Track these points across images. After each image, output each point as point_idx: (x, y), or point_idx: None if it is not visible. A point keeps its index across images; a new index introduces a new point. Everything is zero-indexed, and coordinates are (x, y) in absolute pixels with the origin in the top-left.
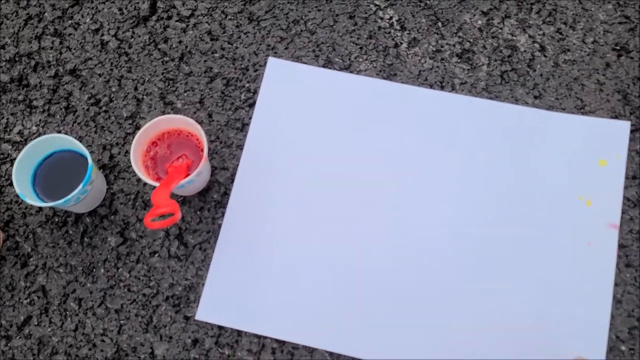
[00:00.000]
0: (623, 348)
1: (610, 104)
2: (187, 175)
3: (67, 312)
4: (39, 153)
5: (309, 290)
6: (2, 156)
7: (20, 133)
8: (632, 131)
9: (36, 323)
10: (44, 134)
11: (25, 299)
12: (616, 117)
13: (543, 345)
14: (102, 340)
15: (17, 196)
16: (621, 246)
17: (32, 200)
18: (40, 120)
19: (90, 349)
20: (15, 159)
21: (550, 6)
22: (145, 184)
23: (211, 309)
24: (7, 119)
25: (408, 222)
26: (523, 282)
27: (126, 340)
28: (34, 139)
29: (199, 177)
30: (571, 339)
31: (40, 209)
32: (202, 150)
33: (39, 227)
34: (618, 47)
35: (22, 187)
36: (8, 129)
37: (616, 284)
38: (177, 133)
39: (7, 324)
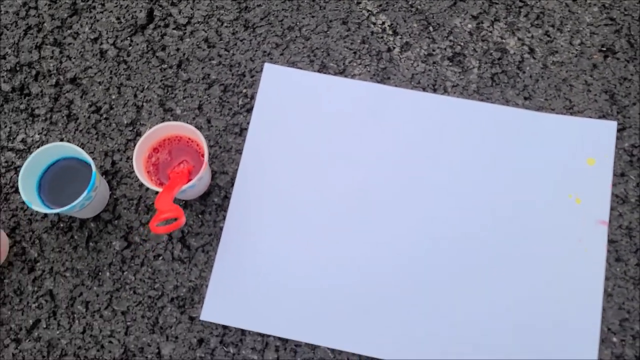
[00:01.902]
0: (614, 339)
1: (598, 104)
2: (188, 180)
3: (75, 315)
4: (44, 161)
5: (309, 290)
6: (6, 164)
7: (23, 141)
8: (619, 130)
9: (45, 326)
10: (47, 141)
11: (34, 302)
12: (604, 117)
13: (536, 340)
14: (110, 342)
15: (23, 203)
16: (611, 242)
17: (38, 207)
18: (42, 128)
19: (98, 350)
20: (19, 166)
21: (537, 9)
22: (147, 189)
23: (215, 309)
24: (10, 127)
25: (404, 222)
26: (516, 279)
27: (133, 341)
28: (37, 147)
29: (200, 181)
30: (564, 333)
31: (46, 215)
32: (202, 155)
33: (44, 232)
34: (604, 49)
35: (28, 194)
36: (11, 138)
37: (607, 278)
38: (177, 139)
39: (16, 327)
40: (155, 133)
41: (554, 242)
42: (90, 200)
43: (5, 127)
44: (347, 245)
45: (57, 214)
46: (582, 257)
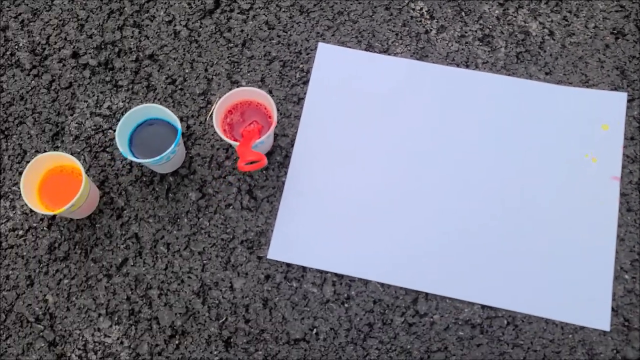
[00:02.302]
0: (626, 277)
1: (610, 78)
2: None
3: (158, 255)
4: (135, 120)
5: (362, 231)
6: (95, 127)
7: (109, 108)
8: (629, 100)
9: (132, 264)
10: (129, 108)
11: (122, 244)
12: (615, 89)
13: (558, 281)
14: (189, 277)
15: (111, 160)
16: (622, 194)
17: (132, 158)
18: (125, 97)
19: (179, 284)
20: (106, 129)
21: None
22: (218, 148)
23: (280, 249)
24: (98, 96)
25: (445, 171)
26: (541, 226)
27: (209, 276)
28: (122, 113)
29: (268, 139)
30: (582, 273)
31: (130, 169)
32: (269, 117)
33: (129, 185)
34: (615, 31)
35: (123, 148)
36: (99, 105)
37: (619, 226)
38: (248, 103)
39: (107, 264)
40: (231, 97)
41: (574, 195)
42: (174, 154)
43: (93, 96)
44: (392, 192)
45: (141, 169)
46: (598, 208)
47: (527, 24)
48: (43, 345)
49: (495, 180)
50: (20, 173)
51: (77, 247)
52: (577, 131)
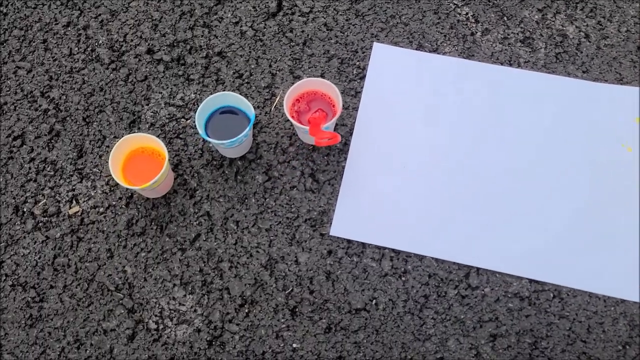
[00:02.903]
0: None
1: None
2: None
3: (228, 231)
4: (212, 106)
5: (417, 210)
6: (169, 116)
7: (182, 99)
8: None
9: (204, 239)
10: (201, 100)
11: (195, 221)
12: None
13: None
14: (257, 251)
15: (184, 145)
16: None
17: (208, 139)
18: (197, 89)
19: (248, 258)
20: (179, 118)
21: (591, 4)
22: (282, 136)
23: (341, 227)
24: (171, 88)
25: (490, 164)
26: (585, 209)
27: (276, 251)
28: (194, 103)
29: (332, 125)
30: (620, 252)
31: (202, 154)
32: (333, 106)
33: (201, 168)
34: None
35: (201, 130)
36: (172, 96)
37: None
38: (313, 93)
39: (181, 239)
40: (298, 87)
41: (614, 180)
42: (247, 137)
43: (167, 88)
44: (444, 175)
45: (211, 154)
46: (633, 191)
47: (564, 28)
48: (123, 312)
49: (543, 166)
50: (101, 156)
51: (153, 223)
52: (613, 123)
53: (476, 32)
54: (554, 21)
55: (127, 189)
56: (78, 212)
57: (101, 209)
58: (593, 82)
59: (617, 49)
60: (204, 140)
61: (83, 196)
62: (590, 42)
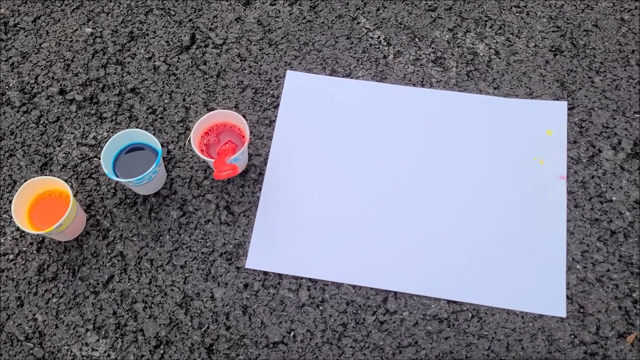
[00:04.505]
0: (578, 267)
1: (552, 90)
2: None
3: (142, 270)
4: (118, 145)
5: (332, 238)
6: (81, 156)
7: (94, 138)
8: (569, 108)
9: (118, 280)
10: None
11: (108, 262)
12: (557, 99)
13: (512, 271)
14: (172, 290)
15: (97, 185)
16: (569, 192)
17: (116, 179)
18: (109, 127)
19: (162, 297)
20: (92, 157)
21: (499, 22)
22: (197, 170)
23: (257, 259)
24: (84, 128)
25: (405, 186)
26: (495, 223)
27: (191, 288)
28: (106, 142)
29: (242, 156)
30: (536, 266)
31: (115, 193)
32: (243, 137)
33: (114, 207)
34: (553, 49)
35: (107, 170)
36: (84, 136)
37: (568, 220)
38: (222, 125)
39: (94, 282)
40: (206, 120)
41: (526, 194)
42: (156, 173)
43: (80, 128)
44: (357, 201)
45: (124, 192)
46: (548, 205)
47: (474, 46)
48: None
49: (454, 185)
50: (11, 202)
51: (65, 267)
52: (525, 137)
53: (388, 55)
54: (464, 40)
55: (36, 234)
56: None
57: (11, 256)
58: (504, 98)
59: (526, 63)
60: None
61: None
62: (500, 58)
